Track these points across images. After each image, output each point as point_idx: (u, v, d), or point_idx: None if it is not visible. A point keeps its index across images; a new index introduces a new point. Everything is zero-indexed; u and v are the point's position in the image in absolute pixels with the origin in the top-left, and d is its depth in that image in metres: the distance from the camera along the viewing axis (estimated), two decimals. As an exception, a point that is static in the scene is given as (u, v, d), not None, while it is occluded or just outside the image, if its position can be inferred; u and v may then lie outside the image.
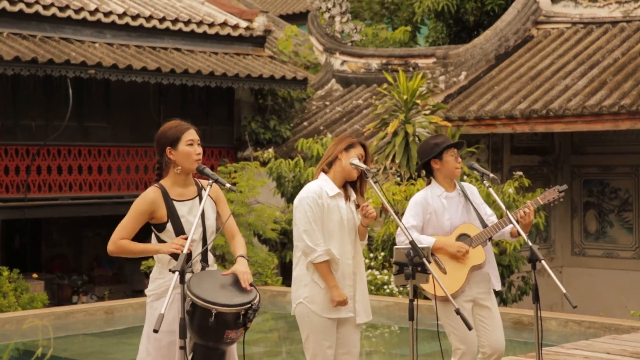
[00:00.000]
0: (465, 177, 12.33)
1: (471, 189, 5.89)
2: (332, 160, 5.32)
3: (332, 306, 5.19)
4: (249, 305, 4.52)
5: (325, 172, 5.33)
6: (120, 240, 4.76)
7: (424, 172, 13.72)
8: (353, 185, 5.36)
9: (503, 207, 5.55)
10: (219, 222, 4.90)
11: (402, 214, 5.84)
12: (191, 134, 4.77)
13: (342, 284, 5.23)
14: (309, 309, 5.25)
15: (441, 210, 5.72)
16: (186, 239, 4.55)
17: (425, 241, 5.62)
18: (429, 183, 5.88)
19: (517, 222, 5.66)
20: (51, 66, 14.14)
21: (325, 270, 5.18)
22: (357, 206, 5.32)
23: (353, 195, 5.34)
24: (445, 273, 5.65)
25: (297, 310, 5.31)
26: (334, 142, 5.37)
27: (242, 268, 4.66)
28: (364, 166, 5.21)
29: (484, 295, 5.74)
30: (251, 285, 4.65)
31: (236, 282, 4.65)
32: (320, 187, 5.26)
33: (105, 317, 12.21)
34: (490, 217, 5.84)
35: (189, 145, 4.74)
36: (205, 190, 4.78)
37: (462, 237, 5.70)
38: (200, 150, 4.78)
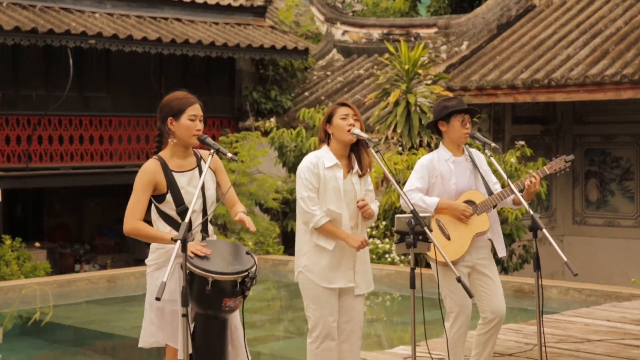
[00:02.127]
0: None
1: (479, 156, 5.86)
2: (323, 137, 5.33)
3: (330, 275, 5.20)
4: (246, 273, 4.52)
5: (327, 144, 5.33)
6: (135, 222, 4.67)
7: (425, 142, 13.74)
8: (357, 154, 5.34)
9: (505, 176, 5.53)
10: (219, 192, 4.89)
11: (404, 184, 5.83)
12: (195, 109, 4.75)
13: (342, 254, 5.23)
14: (308, 278, 5.28)
15: (448, 175, 5.69)
16: (204, 246, 4.57)
17: (429, 202, 5.62)
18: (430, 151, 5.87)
19: (523, 189, 5.66)
20: (51, 36, 14.09)
21: (330, 229, 5.16)
22: (360, 176, 5.31)
23: (356, 167, 5.31)
24: (448, 239, 5.65)
25: (298, 278, 5.35)
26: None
27: (244, 215, 4.74)
28: (364, 135, 5.19)
29: (484, 261, 5.73)
30: (248, 253, 4.66)
31: (234, 252, 4.67)
32: (318, 158, 5.26)
33: (107, 286, 12.28)
34: (495, 185, 5.83)
35: (191, 120, 4.72)
36: (204, 161, 4.77)
37: (467, 203, 5.69)
38: (201, 126, 4.74)
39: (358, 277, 5.30)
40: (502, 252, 5.81)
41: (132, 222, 4.68)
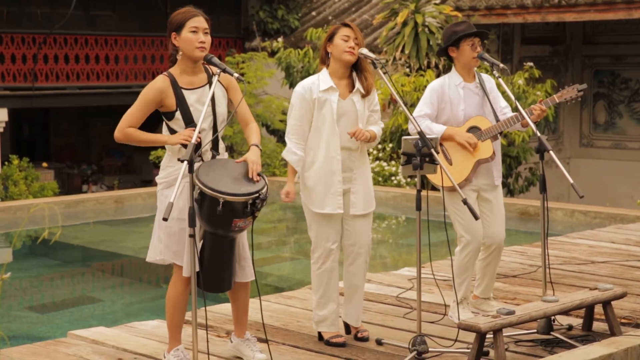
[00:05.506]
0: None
1: (490, 82, 5.82)
2: (324, 57, 5.32)
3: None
4: (257, 194, 4.55)
5: (327, 66, 5.33)
6: (127, 128, 4.76)
7: (433, 63, 13.63)
8: (358, 74, 5.32)
9: (513, 98, 5.52)
10: (230, 108, 4.88)
11: (411, 106, 5.81)
12: (196, 21, 4.70)
13: (331, 179, 5.24)
14: (303, 201, 5.35)
15: (457, 100, 5.67)
16: (194, 130, 4.54)
17: (435, 129, 5.61)
18: (438, 75, 5.81)
19: (530, 116, 5.63)
20: (55, -48, 13.90)
21: (289, 170, 5.36)
22: (363, 96, 5.30)
23: (357, 86, 5.29)
24: (451, 164, 5.65)
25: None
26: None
27: (253, 157, 4.68)
28: (372, 56, 5.17)
29: (488, 187, 5.75)
30: (259, 175, 4.67)
31: (246, 172, 4.67)
32: (313, 82, 5.28)
33: (115, 206, 12.35)
34: (504, 109, 5.79)
35: (192, 32, 4.68)
36: (215, 76, 4.73)
37: (473, 129, 5.67)
38: (204, 38, 4.70)
39: (354, 197, 5.31)
40: (497, 180, 5.81)
41: (123, 128, 4.76)
